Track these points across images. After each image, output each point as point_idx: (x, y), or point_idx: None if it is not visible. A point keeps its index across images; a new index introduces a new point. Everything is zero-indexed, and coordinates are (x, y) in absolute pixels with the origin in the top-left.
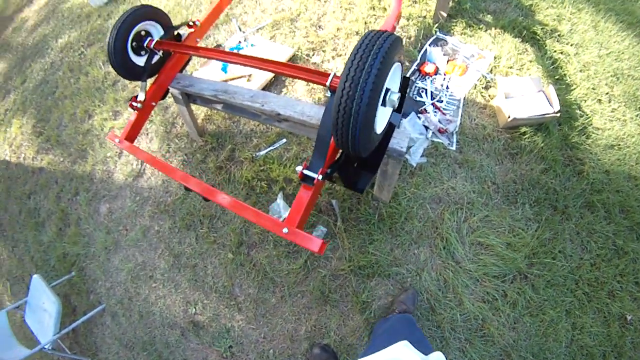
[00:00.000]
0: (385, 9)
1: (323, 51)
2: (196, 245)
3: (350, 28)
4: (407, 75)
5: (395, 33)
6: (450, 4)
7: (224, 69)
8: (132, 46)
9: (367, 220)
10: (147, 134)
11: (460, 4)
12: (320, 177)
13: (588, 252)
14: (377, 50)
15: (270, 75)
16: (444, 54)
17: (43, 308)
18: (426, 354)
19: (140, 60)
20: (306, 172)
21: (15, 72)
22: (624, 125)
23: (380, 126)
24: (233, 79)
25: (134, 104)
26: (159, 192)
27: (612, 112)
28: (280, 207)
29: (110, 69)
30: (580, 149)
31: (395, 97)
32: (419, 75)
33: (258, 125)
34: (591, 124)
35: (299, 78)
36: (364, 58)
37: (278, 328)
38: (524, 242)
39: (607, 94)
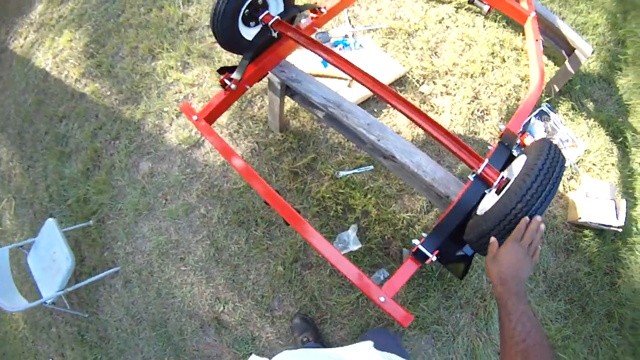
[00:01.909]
0: (504, 60)
1: (434, 82)
2: (244, 246)
3: (466, 68)
4: None
5: None
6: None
7: (324, 63)
8: (244, 13)
9: (428, 277)
10: None
11: (572, 82)
12: (434, 258)
13: (592, 355)
14: (556, 178)
15: None
16: (544, 130)
17: (52, 258)
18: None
19: (248, 33)
20: (422, 249)
21: None
22: None
23: None
24: (331, 77)
25: (227, 82)
26: (215, 173)
27: None
28: (350, 239)
29: (190, 11)
30: (622, 263)
31: None
32: (517, 145)
33: (346, 140)
34: (638, 242)
35: (442, 144)
36: (544, 185)
37: None
38: (549, 334)
39: None
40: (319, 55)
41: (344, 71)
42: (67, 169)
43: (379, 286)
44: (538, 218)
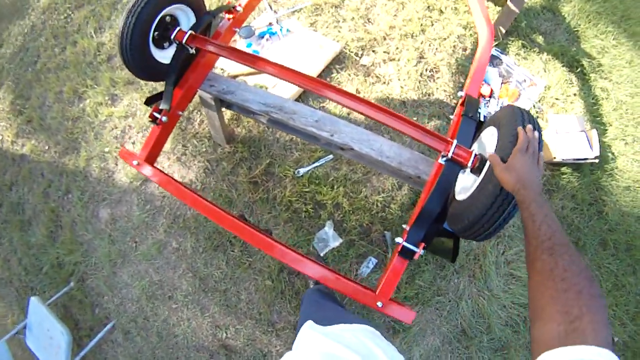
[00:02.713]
0: (442, 12)
1: (374, 52)
2: (227, 269)
3: (404, 29)
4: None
5: None
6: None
7: (252, 50)
8: (153, 36)
9: None
10: None
11: (517, 20)
12: (422, 252)
13: None
14: (538, 148)
15: (318, 70)
16: (499, 75)
17: (48, 335)
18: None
19: (163, 56)
20: (408, 245)
21: None
22: None
23: None
24: (256, 73)
25: (157, 115)
26: (175, 202)
27: (634, 154)
28: (330, 236)
29: (105, 38)
30: (605, 191)
31: None
32: None
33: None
34: (617, 167)
35: (409, 135)
36: None
37: None
38: None
39: (632, 135)
40: (244, 65)
41: (274, 75)
42: (32, 237)
43: (373, 291)
44: (530, 127)
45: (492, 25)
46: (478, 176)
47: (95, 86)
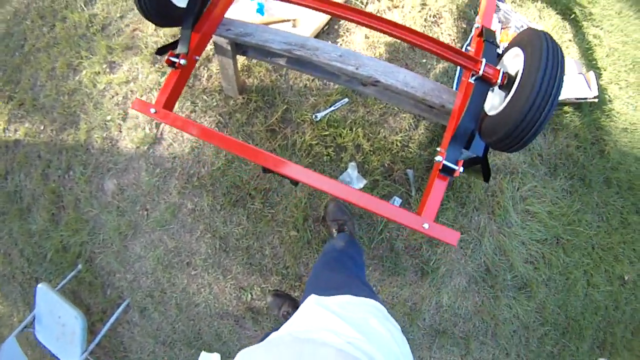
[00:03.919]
0: None
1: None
2: (248, 225)
3: None
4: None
5: None
6: None
7: (260, 11)
8: None
9: None
10: (158, 88)
11: None
12: (461, 169)
13: (603, 222)
14: (560, 66)
15: (323, 21)
16: (498, 21)
17: (60, 323)
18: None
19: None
20: (447, 163)
21: None
22: (636, 111)
23: None
24: (272, 22)
25: (174, 59)
26: (187, 161)
27: (628, 98)
28: (353, 178)
29: (96, 9)
30: (604, 130)
31: None
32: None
33: (312, 80)
34: (614, 109)
35: (437, 54)
36: (553, 72)
37: None
38: (562, 212)
39: (625, 80)
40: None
41: (304, 5)
42: (32, 224)
43: (416, 214)
44: None
45: None
46: (506, 92)
47: (91, 56)
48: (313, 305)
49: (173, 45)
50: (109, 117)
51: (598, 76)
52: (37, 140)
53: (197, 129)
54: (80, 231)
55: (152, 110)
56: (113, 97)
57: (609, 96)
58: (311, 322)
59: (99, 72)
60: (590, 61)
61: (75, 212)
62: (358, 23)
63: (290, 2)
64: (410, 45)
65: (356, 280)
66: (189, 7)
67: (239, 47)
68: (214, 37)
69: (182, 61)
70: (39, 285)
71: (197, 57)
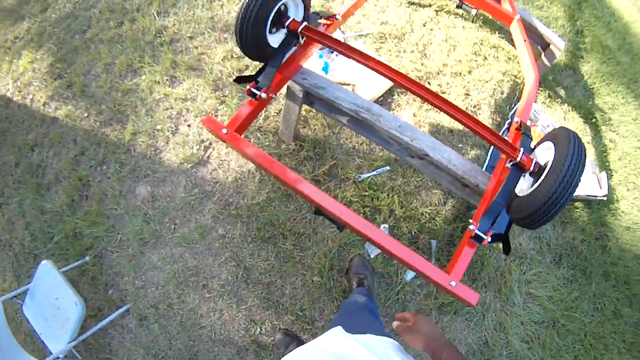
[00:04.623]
0: (485, 58)
1: (429, 83)
2: (274, 262)
3: (454, 67)
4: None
5: None
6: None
7: (325, 69)
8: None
9: None
10: (217, 115)
11: (546, 73)
12: (489, 239)
13: (598, 311)
14: (583, 159)
15: (380, 92)
16: (529, 118)
17: (56, 305)
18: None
19: (272, 40)
20: (479, 233)
21: None
22: None
23: None
24: (336, 83)
25: (256, 91)
26: (227, 190)
27: (634, 199)
28: None
29: (168, 23)
30: (609, 227)
31: None
32: (507, 135)
33: (361, 143)
34: (619, 208)
35: (485, 138)
36: (576, 166)
37: None
38: (561, 298)
39: (633, 183)
40: (357, 61)
41: (382, 74)
42: (48, 203)
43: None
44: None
45: (537, 69)
46: (535, 178)
47: (154, 64)
48: (339, 333)
49: (251, 78)
50: (158, 127)
51: (609, 177)
52: (78, 125)
53: (267, 161)
54: (98, 225)
55: (224, 131)
56: (167, 109)
57: (617, 196)
58: (339, 344)
59: (159, 82)
60: (603, 162)
61: (99, 205)
62: (420, 96)
63: (369, 68)
64: (464, 126)
65: (375, 323)
66: (279, 49)
67: (308, 97)
68: (290, 82)
69: (264, 95)
70: (44, 262)
71: (273, 95)
